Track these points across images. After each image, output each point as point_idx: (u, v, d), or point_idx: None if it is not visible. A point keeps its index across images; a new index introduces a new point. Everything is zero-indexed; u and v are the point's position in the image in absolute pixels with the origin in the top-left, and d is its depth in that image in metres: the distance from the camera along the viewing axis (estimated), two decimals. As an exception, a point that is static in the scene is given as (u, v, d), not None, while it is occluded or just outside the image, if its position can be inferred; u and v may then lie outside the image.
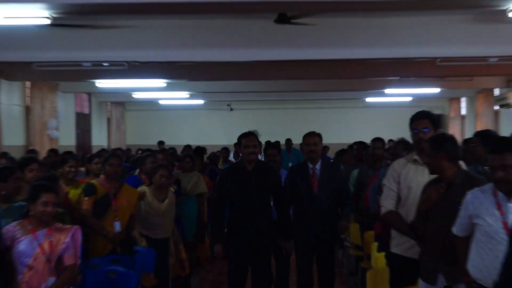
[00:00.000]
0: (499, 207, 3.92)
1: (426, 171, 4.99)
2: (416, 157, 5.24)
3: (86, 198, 6.71)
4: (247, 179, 6.52)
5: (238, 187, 6.55)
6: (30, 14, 7.74)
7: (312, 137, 7.10)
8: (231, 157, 14.88)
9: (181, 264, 8.05)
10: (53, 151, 11.92)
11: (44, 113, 15.67)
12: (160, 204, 7.46)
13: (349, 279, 9.34)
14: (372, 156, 8.37)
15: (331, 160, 11.79)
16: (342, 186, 7.20)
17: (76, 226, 5.07)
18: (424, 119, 5.21)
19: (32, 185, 5.10)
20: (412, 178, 5.16)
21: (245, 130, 16.32)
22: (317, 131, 7.26)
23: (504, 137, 5.08)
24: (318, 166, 7.10)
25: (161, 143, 18.82)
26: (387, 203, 5.24)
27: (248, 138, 6.60)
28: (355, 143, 11.10)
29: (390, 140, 13.29)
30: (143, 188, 7.53)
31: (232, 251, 6.53)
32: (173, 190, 7.97)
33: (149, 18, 9.95)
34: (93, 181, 7.01)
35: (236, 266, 6.52)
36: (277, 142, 10.23)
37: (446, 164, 4.64)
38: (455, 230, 4.22)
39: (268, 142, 8.71)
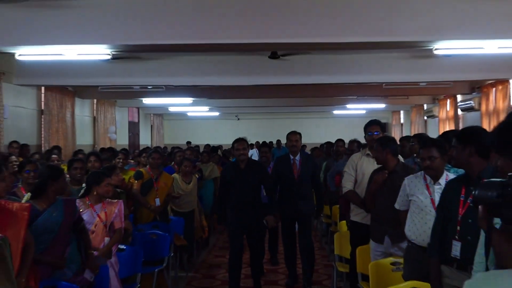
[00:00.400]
0: (427, 188, 3.95)
1: (375, 162, 5.03)
2: (368, 152, 5.28)
3: (136, 181, 6.72)
4: (241, 175, 6.14)
5: (235, 181, 6.16)
6: (96, 51, 7.74)
7: (294, 135, 6.72)
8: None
9: (202, 229, 8.05)
10: (110, 149, 11.93)
11: (106, 121, 15.66)
12: (186, 186, 7.48)
13: (322, 239, 9.30)
14: (336, 152, 8.38)
15: (308, 154, 11.04)
16: (315, 173, 6.83)
17: (120, 201, 5.02)
18: (375, 125, 5.27)
19: (95, 172, 5.03)
20: (365, 167, 5.20)
21: (249, 134, 16.74)
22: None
23: (431, 138, 5.15)
24: (298, 157, 6.65)
25: (188, 143, 18.80)
26: (347, 185, 5.29)
27: (239, 143, 6.20)
28: (325, 143, 11.10)
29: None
30: (175, 175, 7.54)
31: (233, 225, 6.21)
32: (197, 176, 8.02)
33: (180, 55, 9.97)
34: (142, 169, 7.05)
35: (234, 234, 6.21)
36: (271, 143, 10.28)
37: (389, 157, 4.69)
38: (397, 205, 4.21)
39: (263, 143, 8.65)
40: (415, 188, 4.01)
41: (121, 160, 7.71)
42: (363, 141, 6.23)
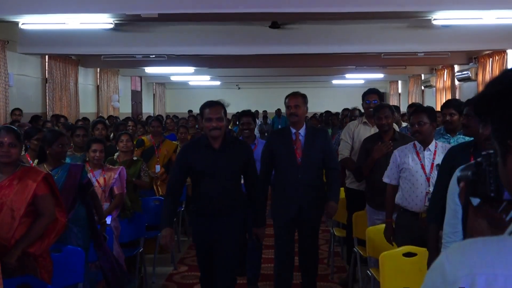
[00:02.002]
0: (417, 154, 3.97)
1: (372, 130, 5.06)
2: (365, 120, 5.26)
3: (137, 149, 6.75)
4: (212, 158, 3.79)
5: (202, 167, 3.80)
6: (99, 20, 7.68)
7: (294, 98, 4.46)
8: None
9: None
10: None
11: (109, 90, 15.61)
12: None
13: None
14: (341, 121, 8.35)
15: (317, 128, 7.29)
16: (329, 154, 4.48)
17: (121, 167, 5.02)
18: (374, 94, 5.23)
19: (50, 131, 4.75)
20: (362, 135, 5.17)
21: (250, 103, 15.79)
22: None
23: (421, 105, 5.12)
24: (302, 131, 4.44)
25: (190, 111, 18.76)
26: (344, 152, 5.27)
27: (211, 109, 3.76)
28: (324, 112, 11.09)
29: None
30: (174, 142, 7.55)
31: (199, 237, 3.92)
32: None
33: (182, 24, 9.88)
34: (144, 137, 7.07)
35: (202, 251, 3.94)
36: (260, 111, 8.56)
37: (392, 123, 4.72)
38: (386, 178, 4.18)
39: (242, 111, 5.54)
40: (405, 157, 4.01)
41: (130, 127, 7.74)
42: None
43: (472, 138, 3.43)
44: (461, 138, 4.39)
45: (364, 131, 5.19)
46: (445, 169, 3.24)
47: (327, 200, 4.42)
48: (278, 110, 17.32)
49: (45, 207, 3.32)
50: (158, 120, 7.27)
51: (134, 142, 7.07)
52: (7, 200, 3.22)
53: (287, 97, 4.51)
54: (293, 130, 4.48)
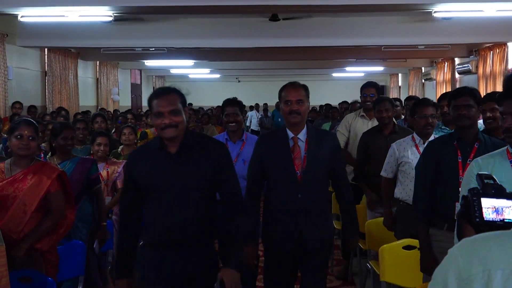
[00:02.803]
0: (417, 147, 3.95)
1: (369, 123, 5.05)
2: (363, 113, 5.24)
3: (140, 141, 6.78)
4: (166, 168, 2.72)
5: (151, 180, 2.73)
6: (98, 13, 7.66)
7: (295, 91, 3.26)
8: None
9: None
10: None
11: (108, 83, 15.59)
12: None
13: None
14: (342, 114, 8.33)
15: (322, 130, 5.38)
16: (339, 170, 3.37)
17: (126, 161, 5.04)
18: (372, 87, 5.20)
19: (57, 123, 4.79)
20: (359, 128, 5.16)
21: (250, 96, 15.51)
22: None
23: (424, 98, 5.06)
24: (302, 135, 3.27)
25: (190, 104, 18.74)
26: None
27: (161, 99, 2.69)
28: (325, 104, 11.10)
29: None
30: None
31: (149, 280, 2.76)
32: None
33: (182, 17, 9.87)
34: (147, 130, 7.12)
35: None
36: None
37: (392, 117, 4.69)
38: (384, 172, 4.16)
39: (227, 100, 4.35)
40: (404, 151, 3.99)
41: (129, 120, 7.76)
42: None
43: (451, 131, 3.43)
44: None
45: (362, 124, 5.18)
46: (430, 164, 3.20)
47: (346, 235, 3.59)
48: (278, 103, 17.36)
49: (56, 204, 3.34)
50: None
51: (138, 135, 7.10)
52: (20, 194, 3.23)
53: (283, 88, 3.31)
54: (291, 134, 3.24)
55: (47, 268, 3.29)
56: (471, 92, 3.25)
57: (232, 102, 4.31)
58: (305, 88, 3.32)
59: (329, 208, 3.66)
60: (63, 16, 7.54)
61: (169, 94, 2.70)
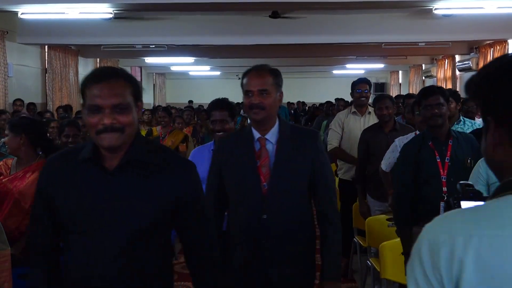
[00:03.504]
0: None
1: (361, 119, 5.06)
2: (354, 109, 5.23)
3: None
4: (101, 191, 1.76)
5: (78, 208, 1.76)
6: (98, 10, 7.66)
7: (258, 77, 2.47)
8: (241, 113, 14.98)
9: None
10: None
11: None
12: (181, 144, 7.31)
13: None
14: (337, 111, 8.34)
15: (302, 129, 3.31)
16: (322, 179, 2.49)
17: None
18: (365, 83, 5.19)
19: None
20: (352, 124, 5.15)
21: None
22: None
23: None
24: (271, 135, 2.48)
25: (190, 102, 18.79)
26: (333, 142, 5.23)
27: (99, 86, 1.72)
28: (325, 102, 11.11)
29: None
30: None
31: None
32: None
33: (182, 14, 9.86)
34: (153, 127, 7.13)
35: None
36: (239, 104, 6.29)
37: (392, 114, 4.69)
38: (384, 166, 4.16)
39: (213, 102, 3.46)
40: None
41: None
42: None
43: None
44: (460, 128, 4.38)
45: (354, 121, 5.17)
46: (409, 166, 3.18)
47: (323, 275, 2.49)
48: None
49: None
50: (165, 111, 7.28)
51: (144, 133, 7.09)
52: (17, 191, 3.24)
53: (245, 74, 2.53)
54: (257, 134, 2.47)
55: None
56: (440, 90, 3.32)
57: (220, 105, 3.37)
58: (274, 73, 2.47)
59: (313, 235, 2.58)
60: (63, 13, 7.55)
61: (115, 79, 1.74)
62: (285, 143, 2.46)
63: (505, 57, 1.12)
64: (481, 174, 2.43)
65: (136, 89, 1.80)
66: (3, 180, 3.28)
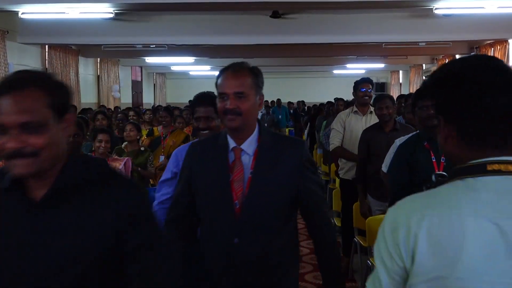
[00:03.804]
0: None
1: (363, 119, 5.07)
2: (356, 109, 5.25)
3: (146, 137, 6.82)
4: (23, 227, 1.37)
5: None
6: (99, 10, 7.65)
7: (234, 78, 2.09)
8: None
9: None
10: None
11: (109, 80, 15.59)
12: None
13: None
14: (336, 111, 8.34)
15: (286, 138, 2.52)
16: (310, 194, 2.14)
17: (127, 158, 5.00)
18: (368, 83, 5.23)
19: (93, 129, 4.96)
20: (353, 124, 5.17)
21: None
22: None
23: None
24: (248, 145, 2.10)
25: (190, 101, 18.77)
26: (335, 141, 5.25)
27: (4, 99, 1.31)
28: (327, 102, 11.10)
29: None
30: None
31: None
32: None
33: (182, 14, 9.86)
34: (155, 127, 7.14)
35: None
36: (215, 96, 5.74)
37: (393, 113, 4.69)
38: (385, 168, 4.15)
39: (197, 97, 3.03)
40: None
41: (130, 117, 7.78)
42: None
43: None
44: None
45: (356, 120, 5.19)
46: (404, 167, 3.17)
47: None
48: (278, 100, 17.39)
49: None
50: (166, 111, 7.28)
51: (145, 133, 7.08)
52: None
53: (220, 73, 2.18)
54: (232, 143, 2.11)
55: None
56: None
57: (205, 101, 2.92)
58: (253, 73, 2.12)
59: (295, 263, 2.27)
60: (64, 13, 7.55)
61: (21, 88, 1.34)
62: (263, 155, 2.10)
63: (453, 63, 1.32)
64: None
65: (56, 99, 1.38)
66: None
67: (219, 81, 2.14)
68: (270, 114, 16.46)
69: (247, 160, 2.10)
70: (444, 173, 1.64)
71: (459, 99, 1.24)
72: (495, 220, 1.15)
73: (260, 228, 2.06)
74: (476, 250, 1.15)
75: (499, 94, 1.21)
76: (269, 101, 18.40)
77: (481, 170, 1.22)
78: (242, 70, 2.11)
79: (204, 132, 2.87)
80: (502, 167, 1.22)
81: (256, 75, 2.13)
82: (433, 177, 1.52)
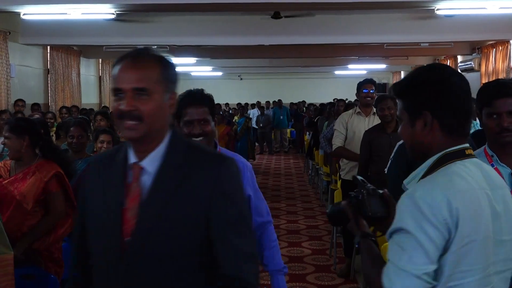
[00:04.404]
0: None
1: (366, 120, 5.07)
2: (359, 110, 5.26)
3: None
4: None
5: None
6: (100, 11, 7.66)
7: (133, 68, 1.55)
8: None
9: None
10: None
11: (111, 81, 15.63)
12: None
13: (322, 197, 9.38)
14: (337, 112, 8.34)
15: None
16: (225, 226, 1.54)
17: None
18: (371, 84, 5.24)
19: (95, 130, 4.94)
20: (356, 125, 5.18)
21: (252, 94, 15.33)
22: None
23: None
24: (151, 161, 1.57)
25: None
26: (337, 142, 5.26)
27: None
28: (328, 103, 11.12)
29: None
30: None
31: None
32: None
33: (184, 14, 9.87)
34: None
35: None
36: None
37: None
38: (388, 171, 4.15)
39: (185, 95, 2.47)
40: None
41: None
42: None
43: None
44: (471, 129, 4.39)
45: (359, 121, 5.20)
46: (403, 167, 3.07)
47: None
48: (279, 101, 17.42)
49: (55, 205, 3.34)
50: None
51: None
52: (18, 194, 3.24)
53: (117, 62, 1.66)
54: (132, 159, 1.64)
55: (48, 266, 3.30)
56: None
57: (198, 99, 2.45)
58: (162, 63, 1.63)
59: None
60: (66, 14, 7.55)
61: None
62: (168, 174, 1.57)
63: (430, 70, 1.63)
64: None
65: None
66: (3, 182, 3.27)
67: (113, 72, 1.62)
68: (265, 114, 16.47)
69: (147, 181, 1.57)
70: (362, 178, 1.87)
71: (447, 99, 1.55)
72: (487, 191, 1.52)
73: (153, 274, 1.51)
74: (488, 215, 1.49)
75: (470, 99, 1.59)
76: (271, 102, 18.45)
77: (462, 155, 1.56)
78: (145, 58, 1.60)
79: (199, 139, 2.31)
80: (471, 151, 1.59)
81: (165, 66, 1.63)
82: (355, 180, 1.87)
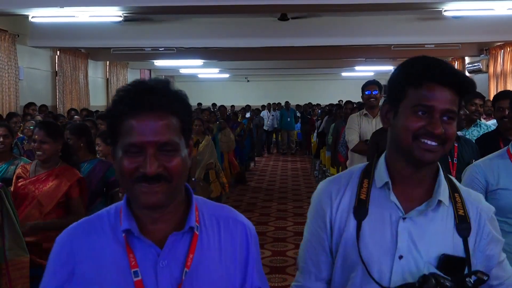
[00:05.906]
0: None
1: (373, 121, 5.06)
2: (366, 112, 5.25)
3: None
4: None
5: None
6: (108, 13, 7.70)
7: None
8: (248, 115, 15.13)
9: (222, 186, 7.69)
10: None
11: (118, 83, 15.68)
12: (197, 146, 7.06)
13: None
14: (345, 114, 8.31)
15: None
16: None
17: None
18: (374, 85, 5.22)
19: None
20: (364, 126, 5.18)
21: (259, 96, 15.24)
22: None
23: None
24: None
25: (199, 104, 18.78)
26: (355, 137, 5.18)
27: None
28: (335, 104, 11.10)
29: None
30: None
31: None
32: (211, 137, 7.72)
33: (191, 17, 9.90)
34: None
35: None
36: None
37: None
38: None
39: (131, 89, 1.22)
40: None
41: None
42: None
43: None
44: (476, 131, 4.36)
45: (366, 123, 5.20)
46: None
47: None
48: (287, 103, 17.41)
49: (75, 209, 3.40)
50: None
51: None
52: (39, 194, 3.29)
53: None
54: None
55: None
56: None
57: (154, 103, 1.25)
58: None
59: None
60: (74, 16, 7.59)
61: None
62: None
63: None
64: (479, 180, 2.42)
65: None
66: (25, 181, 3.33)
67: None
68: (260, 117, 16.52)
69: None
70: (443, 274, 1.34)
71: None
72: None
73: None
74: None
75: None
76: (282, 103, 18.44)
77: None
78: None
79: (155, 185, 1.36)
80: None
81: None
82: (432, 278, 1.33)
